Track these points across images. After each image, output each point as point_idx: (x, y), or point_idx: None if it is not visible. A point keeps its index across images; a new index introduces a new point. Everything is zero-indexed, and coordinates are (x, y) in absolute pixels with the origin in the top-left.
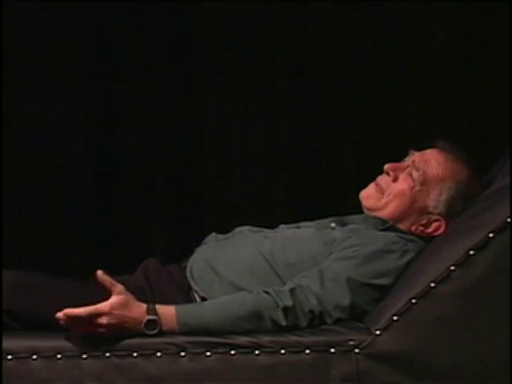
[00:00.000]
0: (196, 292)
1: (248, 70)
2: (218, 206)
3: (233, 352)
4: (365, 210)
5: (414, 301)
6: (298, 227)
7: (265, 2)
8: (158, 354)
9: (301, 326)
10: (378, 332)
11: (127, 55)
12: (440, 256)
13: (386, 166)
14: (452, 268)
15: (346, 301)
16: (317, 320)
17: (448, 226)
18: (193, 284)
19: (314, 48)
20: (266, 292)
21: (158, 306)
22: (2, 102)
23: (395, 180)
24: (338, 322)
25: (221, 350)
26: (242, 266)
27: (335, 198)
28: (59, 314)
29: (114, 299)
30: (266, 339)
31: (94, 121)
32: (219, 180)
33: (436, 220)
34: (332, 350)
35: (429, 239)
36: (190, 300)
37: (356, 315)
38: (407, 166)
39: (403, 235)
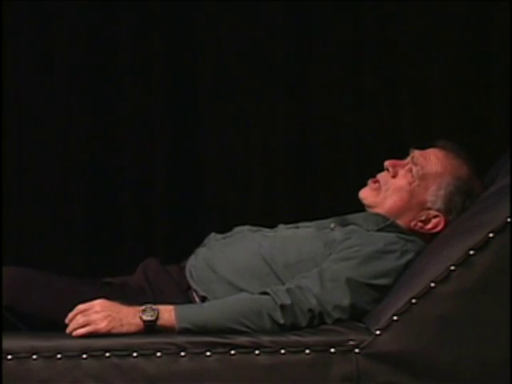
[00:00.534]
0: (196, 291)
1: (248, 71)
2: (218, 206)
3: (233, 352)
4: (366, 208)
5: (414, 301)
6: (298, 227)
7: (265, 2)
8: (158, 354)
9: (300, 326)
10: (378, 332)
11: (127, 55)
12: (440, 256)
13: (386, 163)
14: (452, 268)
15: (345, 301)
16: (316, 320)
17: (447, 222)
18: (192, 283)
19: (315, 48)
20: (265, 292)
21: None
22: (2, 101)
23: (395, 176)
24: (337, 322)
25: (221, 349)
26: (241, 265)
27: (335, 197)
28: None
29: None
30: (265, 339)
31: (94, 121)
32: (219, 180)
33: (435, 216)
34: (332, 350)
35: (429, 238)
36: (190, 300)
37: (356, 315)
38: (407, 163)
39: (403, 235)
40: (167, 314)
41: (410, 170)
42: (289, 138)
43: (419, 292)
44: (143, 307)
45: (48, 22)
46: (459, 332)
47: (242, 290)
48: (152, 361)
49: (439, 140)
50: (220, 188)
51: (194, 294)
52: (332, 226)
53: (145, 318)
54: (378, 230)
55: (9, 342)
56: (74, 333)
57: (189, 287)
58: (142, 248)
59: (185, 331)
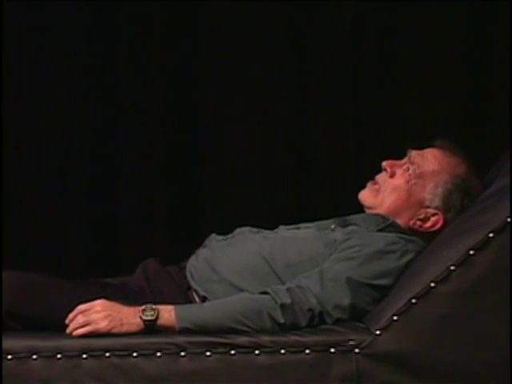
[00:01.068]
0: (196, 291)
1: (248, 70)
2: (218, 207)
3: (233, 352)
4: (365, 209)
5: (414, 301)
6: (298, 228)
7: (264, 2)
8: (158, 354)
9: (300, 325)
10: (378, 332)
11: (127, 55)
12: (440, 256)
13: (384, 163)
14: (452, 268)
15: (346, 301)
16: (317, 319)
17: (446, 220)
18: (192, 283)
19: (314, 48)
20: (265, 292)
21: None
22: (2, 101)
23: (392, 176)
24: (338, 321)
25: (221, 349)
26: (241, 266)
27: (336, 199)
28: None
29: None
30: (265, 339)
31: (94, 120)
32: (219, 180)
33: (434, 214)
34: (332, 350)
35: (429, 238)
36: (190, 300)
37: (356, 315)
38: (404, 163)
39: (403, 235)
40: (167, 313)
41: (408, 169)
42: (289, 139)
43: (419, 292)
44: (143, 307)
45: (48, 22)
46: (459, 332)
47: (242, 291)
48: (152, 361)
49: (438, 140)
50: (220, 189)
51: (195, 294)
52: (332, 226)
53: (145, 317)
54: (379, 231)
55: (9, 342)
56: (75, 332)
57: (189, 287)
58: (142, 248)
59: (185, 331)
